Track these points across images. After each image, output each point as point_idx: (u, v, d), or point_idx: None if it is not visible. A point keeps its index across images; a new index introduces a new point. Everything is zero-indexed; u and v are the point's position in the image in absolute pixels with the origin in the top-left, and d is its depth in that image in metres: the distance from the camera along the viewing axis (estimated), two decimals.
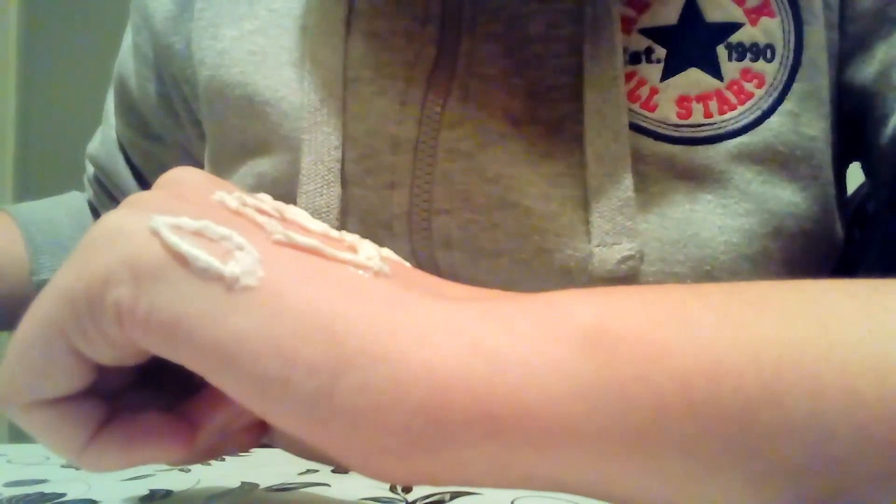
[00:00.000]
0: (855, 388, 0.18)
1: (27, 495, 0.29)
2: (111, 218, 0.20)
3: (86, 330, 0.20)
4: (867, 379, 0.18)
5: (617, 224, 0.35)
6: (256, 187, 0.41)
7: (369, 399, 0.19)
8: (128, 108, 0.54)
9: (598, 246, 0.35)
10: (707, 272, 0.35)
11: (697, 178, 0.36)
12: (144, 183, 0.57)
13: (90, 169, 0.60)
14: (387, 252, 0.24)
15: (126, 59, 0.53)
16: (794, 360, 0.19)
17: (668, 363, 0.19)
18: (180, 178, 0.24)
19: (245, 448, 0.25)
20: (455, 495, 0.26)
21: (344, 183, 0.38)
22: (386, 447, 0.19)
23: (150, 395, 0.24)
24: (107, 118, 0.58)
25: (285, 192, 0.39)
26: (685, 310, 0.20)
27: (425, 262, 0.38)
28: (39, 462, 0.36)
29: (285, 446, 0.27)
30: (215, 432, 0.24)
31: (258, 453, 0.37)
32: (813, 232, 0.37)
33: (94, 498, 0.28)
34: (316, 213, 0.37)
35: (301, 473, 0.31)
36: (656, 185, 0.36)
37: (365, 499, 0.26)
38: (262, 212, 0.22)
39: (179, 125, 0.51)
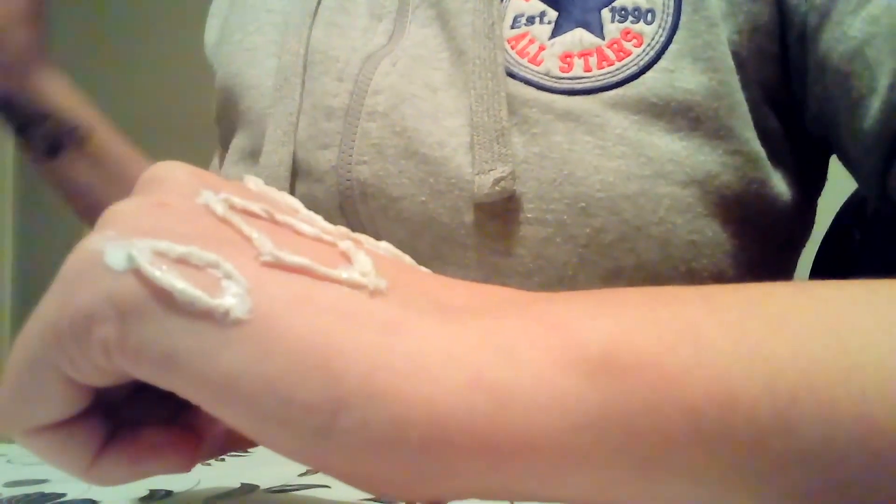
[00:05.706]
0: (871, 413, 0.18)
1: (27, 495, 0.29)
2: (91, 244, 0.19)
3: (75, 361, 0.19)
4: (884, 405, 0.18)
5: (494, 152, 0.38)
6: (238, 162, 0.48)
7: (369, 437, 0.18)
8: None
9: (478, 174, 0.38)
10: (583, 209, 0.38)
11: (577, 122, 0.39)
12: None
13: None
14: (385, 245, 0.24)
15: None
16: (809, 386, 0.18)
17: (678, 392, 0.18)
18: (162, 177, 0.22)
19: (252, 444, 0.25)
20: None
21: (294, 149, 0.44)
22: (389, 480, 0.19)
23: (152, 402, 0.24)
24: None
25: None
26: (698, 331, 0.19)
27: (351, 215, 0.43)
28: (39, 462, 0.36)
29: None
30: (219, 438, 0.24)
31: (258, 453, 0.37)
32: (720, 186, 0.39)
33: (94, 498, 0.28)
34: (271, 169, 0.44)
35: (301, 475, 0.31)
36: (538, 126, 0.39)
37: (365, 499, 0.26)
38: (250, 214, 0.21)
39: None
